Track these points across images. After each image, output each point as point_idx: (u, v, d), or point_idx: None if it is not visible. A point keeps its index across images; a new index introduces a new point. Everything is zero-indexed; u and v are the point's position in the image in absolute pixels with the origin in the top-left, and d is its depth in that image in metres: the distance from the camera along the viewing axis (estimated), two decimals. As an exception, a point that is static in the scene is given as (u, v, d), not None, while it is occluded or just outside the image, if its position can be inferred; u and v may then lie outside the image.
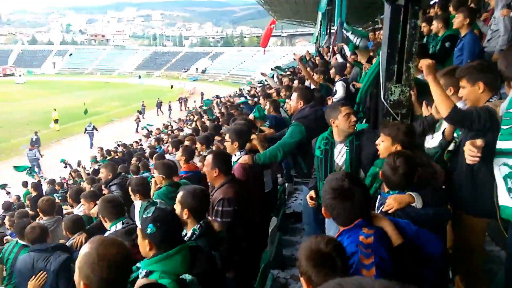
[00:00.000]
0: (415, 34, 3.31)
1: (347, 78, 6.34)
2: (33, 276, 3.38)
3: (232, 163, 3.83)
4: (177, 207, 2.62)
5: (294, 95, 4.14)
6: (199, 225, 2.58)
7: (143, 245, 2.04)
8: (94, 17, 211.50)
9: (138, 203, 2.16)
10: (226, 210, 3.10)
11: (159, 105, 33.09)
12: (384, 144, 2.69)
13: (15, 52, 75.49)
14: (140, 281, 1.85)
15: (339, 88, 5.94)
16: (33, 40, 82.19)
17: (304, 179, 4.03)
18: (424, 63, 2.57)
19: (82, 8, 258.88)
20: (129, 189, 3.90)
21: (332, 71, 6.74)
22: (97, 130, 24.05)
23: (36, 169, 16.81)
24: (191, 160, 5.12)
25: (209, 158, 3.36)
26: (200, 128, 9.45)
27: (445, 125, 2.81)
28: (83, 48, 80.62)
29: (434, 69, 2.58)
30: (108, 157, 15.07)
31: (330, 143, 3.26)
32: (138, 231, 2.08)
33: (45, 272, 3.37)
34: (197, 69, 62.94)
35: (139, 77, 57.49)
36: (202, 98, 34.35)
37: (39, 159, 19.03)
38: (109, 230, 3.23)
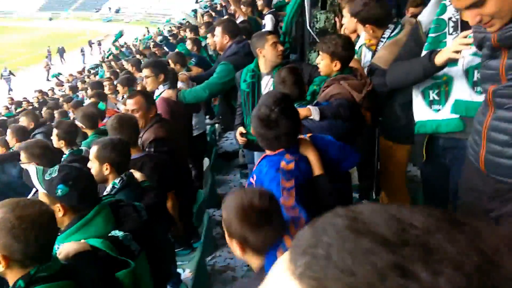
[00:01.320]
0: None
1: (275, 10, 6.04)
2: None
3: (155, 97, 3.60)
4: (94, 164, 2.31)
5: (218, 29, 3.84)
6: (120, 178, 2.31)
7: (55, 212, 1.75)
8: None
9: (31, 168, 1.88)
10: (160, 151, 2.93)
11: (61, 52, 29.87)
12: (323, 62, 2.63)
13: None
14: (67, 246, 1.61)
15: (268, 22, 5.56)
16: None
17: None
18: None
19: None
20: (56, 133, 3.50)
21: (260, 2, 6.36)
22: (13, 75, 22.99)
23: None
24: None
25: (139, 98, 3.10)
26: (118, 70, 8.82)
27: None
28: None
29: None
30: (19, 109, 13.60)
31: (256, 75, 3.11)
32: (44, 197, 1.77)
33: None
34: (110, 8, 57.89)
35: (50, 19, 51.81)
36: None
37: None
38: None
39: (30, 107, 13.24)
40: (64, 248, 1.61)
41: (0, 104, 15.57)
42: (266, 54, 3.01)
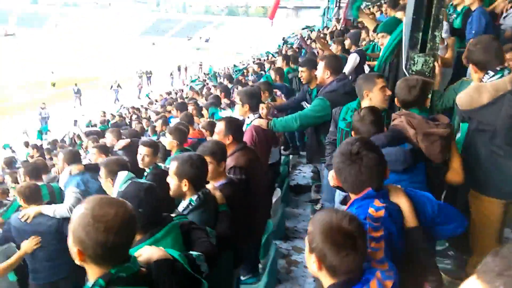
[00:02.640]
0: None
1: (362, 49, 5.94)
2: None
3: (246, 126, 3.67)
4: (172, 180, 2.36)
5: (321, 64, 3.84)
6: (196, 196, 2.34)
7: None
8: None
9: (107, 185, 1.95)
10: (237, 178, 2.95)
11: (148, 75, 31.89)
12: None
13: (16, 12, 73.65)
14: (150, 251, 1.60)
15: (350, 62, 5.46)
16: (33, 0, 80.00)
17: (324, 158, 3.74)
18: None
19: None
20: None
21: (347, 42, 6.31)
22: (121, 87, 26.37)
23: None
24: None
25: (221, 124, 3.15)
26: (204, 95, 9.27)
27: None
28: (83, 10, 78.81)
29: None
30: (112, 121, 14.78)
31: None
32: None
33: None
34: (200, 38, 61.83)
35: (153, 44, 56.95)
36: (200, 67, 34.48)
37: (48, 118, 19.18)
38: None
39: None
40: (145, 252, 1.59)
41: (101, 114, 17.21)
42: (373, 98, 2.94)
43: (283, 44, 14.65)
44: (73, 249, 1.38)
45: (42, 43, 51.26)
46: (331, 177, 1.84)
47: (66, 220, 3.32)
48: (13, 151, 12.83)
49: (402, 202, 1.75)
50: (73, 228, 1.37)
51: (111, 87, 26.52)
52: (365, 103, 2.97)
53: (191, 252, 1.81)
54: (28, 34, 58.95)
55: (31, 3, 77.26)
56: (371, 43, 6.39)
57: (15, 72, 31.99)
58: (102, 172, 3.10)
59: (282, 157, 5.99)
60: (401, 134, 2.41)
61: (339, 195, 3.05)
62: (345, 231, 1.35)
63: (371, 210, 1.64)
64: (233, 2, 73.61)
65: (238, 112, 3.81)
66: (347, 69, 5.41)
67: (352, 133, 2.65)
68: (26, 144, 12.79)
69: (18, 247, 3.47)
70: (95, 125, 15.18)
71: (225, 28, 64.56)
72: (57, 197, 4.13)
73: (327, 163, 3.32)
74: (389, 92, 2.96)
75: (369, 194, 1.69)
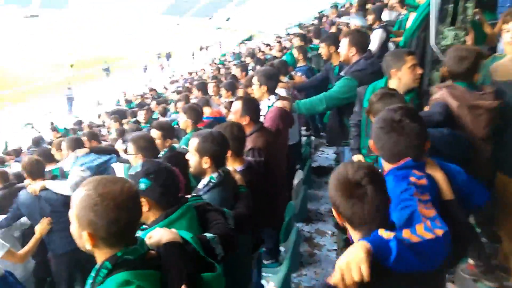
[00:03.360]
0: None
1: (387, 25, 5.51)
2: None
3: (267, 107, 3.56)
4: (194, 157, 2.31)
5: (345, 40, 3.59)
6: (217, 173, 2.30)
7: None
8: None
9: (118, 166, 1.91)
10: (256, 161, 2.87)
11: (167, 57, 31.98)
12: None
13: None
14: (160, 233, 1.53)
15: (375, 37, 5.10)
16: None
17: (347, 141, 3.54)
18: None
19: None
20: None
21: (370, 16, 5.77)
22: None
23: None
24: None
25: (238, 104, 3.06)
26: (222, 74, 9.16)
27: None
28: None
29: None
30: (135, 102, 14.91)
31: None
32: None
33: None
34: (220, 17, 61.28)
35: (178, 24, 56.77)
36: (220, 47, 34.18)
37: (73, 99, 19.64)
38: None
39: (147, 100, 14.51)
40: (156, 234, 1.52)
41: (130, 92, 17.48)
42: (402, 77, 2.72)
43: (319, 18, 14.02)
44: (82, 234, 1.33)
45: (65, 24, 51.89)
46: (371, 143, 1.74)
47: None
48: (39, 132, 13.17)
49: (439, 175, 1.66)
50: (77, 212, 1.33)
51: (102, 70, 27.00)
52: (393, 83, 2.76)
53: (205, 234, 1.76)
54: (52, 14, 59.76)
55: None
56: (400, 17, 6.04)
57: (39, 53, 32.61)
58: (131, 147, 3.09)
59: (303, 138, 5.88)
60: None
61: None
62: (350, 180, 1.37)
63: (412, 179, 1.57)
64: (254, -21, 72.23)
65: (255, 92, 3.68)
66: (373, 46, 5.07)
67: (371, 116, 2.49)
68: (52, 127, 13.10)
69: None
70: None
71: (246, 6, 63.63)
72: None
73: (352, 147, 3.16)
74: (420, 71, 2.73)
75: (408, 164, 1.61)
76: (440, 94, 2.36)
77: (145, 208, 1.77)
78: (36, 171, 3.72)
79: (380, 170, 1.61)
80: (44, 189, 3.60)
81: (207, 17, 61.55)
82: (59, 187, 3.60)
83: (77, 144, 4.22)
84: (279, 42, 12.24)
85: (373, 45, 5.05)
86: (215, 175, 2.31)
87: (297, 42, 6.93)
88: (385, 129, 1.64)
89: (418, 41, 3.37)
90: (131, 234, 1.39)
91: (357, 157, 3.02)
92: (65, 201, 3.53)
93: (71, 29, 47.09)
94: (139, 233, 1.57)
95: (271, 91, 3.62)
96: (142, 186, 1.80)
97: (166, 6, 68.46)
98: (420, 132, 1.62)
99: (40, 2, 69.27)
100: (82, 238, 1.34)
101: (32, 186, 3.62)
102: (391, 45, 5.12)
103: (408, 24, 4.49)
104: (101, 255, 1.36)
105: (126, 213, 1.31)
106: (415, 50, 3.45)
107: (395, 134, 1.62)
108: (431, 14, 3.06)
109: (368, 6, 7.13)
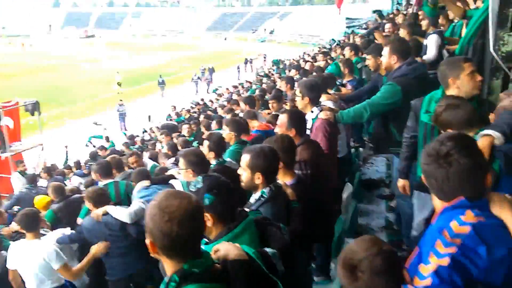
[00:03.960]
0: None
1: (442, 31, 5.33)
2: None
3: (311, 120, 3.54)
4: (245, 172, 2.33)
5: (386, 49, 3.56)
6: (269, 188, 2.31)
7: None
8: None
9: (176, 182, 1.95)
10: (303, 173, 2.84)
11: (211, 71, 31.62)
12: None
13: (95, 15, 79.23)
14: (227, 248, 1.55)
15: (431, 43, 4.94)
16: (110, 3, 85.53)
17: (394, 148, 3.49)
18: None
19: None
20: (207, 144, 3.55)
21: (424, 22, 5.63)
22: (200, 79, 27.77)
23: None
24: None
25: (284, 117, 3.06)
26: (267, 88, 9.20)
27: None
28: (154, 10, 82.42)
29: None
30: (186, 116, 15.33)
31: None
32: None
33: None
34: (265, 29, 61.97)
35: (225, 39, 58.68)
36: (264, 60, 34.45)
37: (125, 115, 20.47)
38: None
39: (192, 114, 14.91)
40: (223, 248, 1.54)
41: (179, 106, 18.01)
42: (462, 85, 2.57)
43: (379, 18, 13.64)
44: (147, 241, 1.41)
45: (118, 43, 54.79)
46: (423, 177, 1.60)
47: None
48: (94, 146, 13.85)
49: (508, 216, 1.40)
50: (146, 219, 1.41)
51: (192, 79, 28.44)
52: (451, 92, 2.62)
53: (266, 249, 1.76)
54: (105, 34, 63.44)
55: (108, 6, 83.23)
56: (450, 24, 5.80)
57: (94, 71, 34.55)
58: (181, 162, 3.14)
59: (352, 150, 5.74)
60: None
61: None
62: (343, 261, 1.43)
63: (453, 224, 1.38)
64: (297, -9, 72.76)
65: (298, 104, 3.66)
66: (431, 52, 4.97)
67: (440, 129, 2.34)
68: (107, 139, 13.74)
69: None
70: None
71: (289, 19, 63.99)
72: (122, 196, 4.40)
73: (399, 168, 3.04)
74: (480, 78, 2.58)
75: (462, 203, 1.42)
76: (508, 101, 2.20)
77: (209, 223, 1.81)
78: (99, 200, 3.83)
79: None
80: (105, 213, 3.75)
81: (251, 31, 62.54)
82: (118, 213, 3.73)
83: (106, 171, 4.52)
84: (323, 53, 12.14)
85: (430, 50, 4.94)
86: (266, 190, 2.32)
87: (347, 53, 6.82)
88: (431, 165, 1.47)
89: (475, 49, 3.21)
90: (188, 248, 1.41)
91: (402, 182, 2.95)
92: (123, 226, 3.71)
93: (122, 47, 49.65)
94: (202, 247, 1.60)
95: (313, 102, 3.59)
96: (206, 201, 1.82)
97: (210, 22, 70.43)
98: (474, 167, 1.42)
99: (95, 23, 73.96)
100: (148, 244, 1.42)
101: (96, 212, 3.77)
102: (445, 53, 4.92)
103: (464, 31, 4.30)
104: (168, 267, 1.43)
105: (178, 228, 1.34)
106: (473, 58, 3.30)
107: (442, 170, 1.43)
108: (489, 19, 2.91)
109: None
